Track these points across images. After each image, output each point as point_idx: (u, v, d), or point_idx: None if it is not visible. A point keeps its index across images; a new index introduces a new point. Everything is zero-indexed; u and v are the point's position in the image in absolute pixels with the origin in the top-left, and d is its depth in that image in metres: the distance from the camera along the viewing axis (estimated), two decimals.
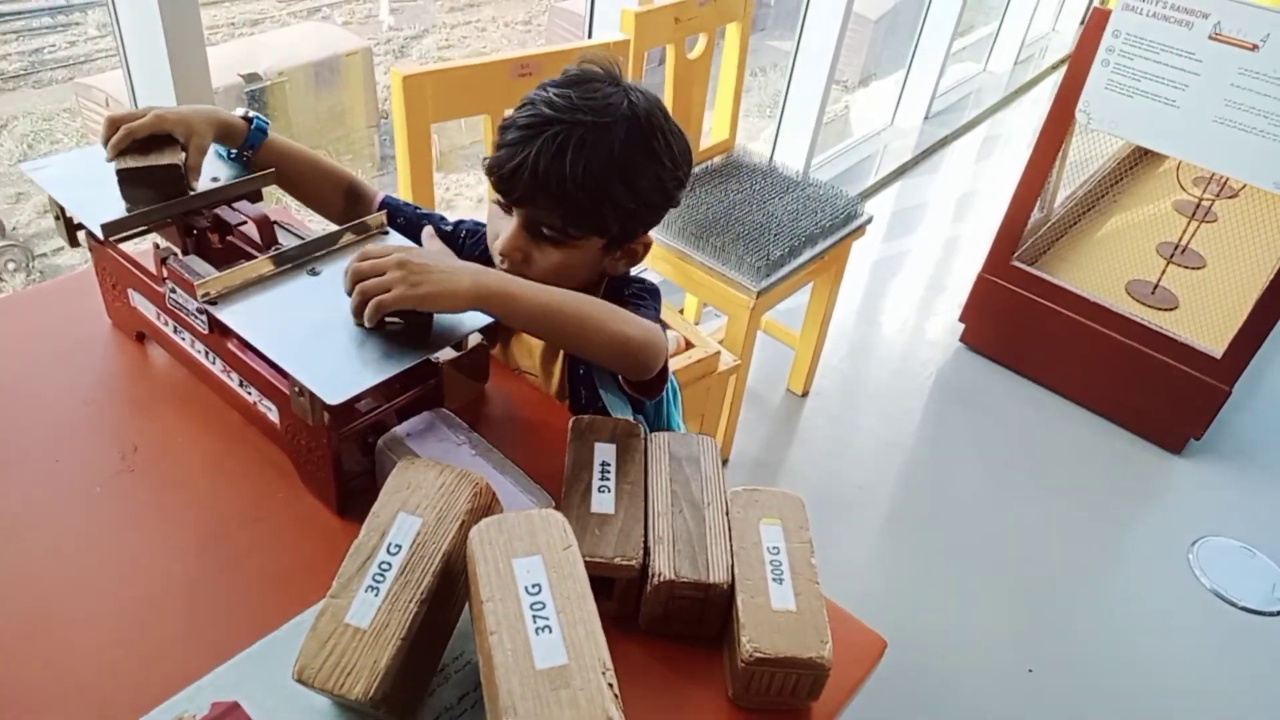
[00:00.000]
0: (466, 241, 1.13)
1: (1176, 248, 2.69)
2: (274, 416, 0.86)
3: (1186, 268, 2.80)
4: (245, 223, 0.90)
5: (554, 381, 1.09)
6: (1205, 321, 2.49)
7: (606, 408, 1.01)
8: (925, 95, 3.80)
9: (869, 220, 2.16)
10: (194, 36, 1.33)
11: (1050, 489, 2.30)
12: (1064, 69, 2.21)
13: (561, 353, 1.08)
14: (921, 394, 2.58)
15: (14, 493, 0.84)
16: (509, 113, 0.96)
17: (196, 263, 0.86)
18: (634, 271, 1.08)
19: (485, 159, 0.96)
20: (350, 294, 0.79)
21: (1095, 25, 2.07)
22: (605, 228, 0.95)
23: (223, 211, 0.91)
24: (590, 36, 2.15)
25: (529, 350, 1.11)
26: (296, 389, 0.76)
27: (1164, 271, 2.69)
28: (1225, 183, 2.73)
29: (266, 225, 0.87)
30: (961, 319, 2.69)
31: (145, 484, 0.87)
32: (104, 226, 0.85)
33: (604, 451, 0.87)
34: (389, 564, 0.68)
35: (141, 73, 1.38)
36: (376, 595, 0.67)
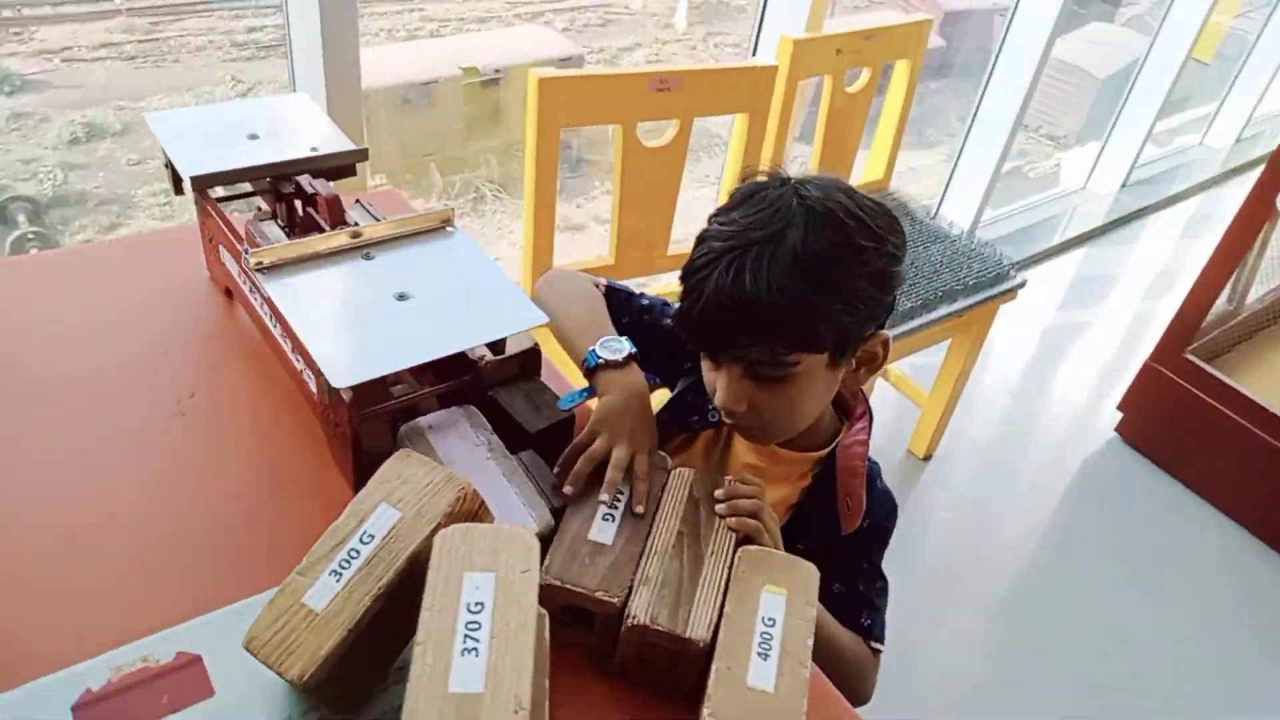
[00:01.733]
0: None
1: None
2: (314, 386, 0.88)
3: None
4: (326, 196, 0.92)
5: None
6: None
7: None
8: (1126, 161, 3.52)
9: (1022, 284, 2.01)
10: (349, 33, 1.40)
11: (1189, 610, 2.05)
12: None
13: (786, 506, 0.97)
14: (1061, 480, 2.37)
15: (73, 418, 0.90)
16: (689, 258, 0.86)
17: (271, 229, 0.90)
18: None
19: (675, 315, 0.90)
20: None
21: None
22: (819, 341, 0.82)
23: (307, 183, 0.94)
24: (755, 53, 2.12)
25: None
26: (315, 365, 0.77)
27: None
28: None
29: (335, 204, 0.89)
30: (1120, 408, 2.46)
31: (190, 431, 0.91)
32: (194, 179, 0.90)
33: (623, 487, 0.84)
34: (357, 552, 0.67)
35: (301, 65, 1.47)
36: (338, 580, 0.66)
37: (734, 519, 0.80)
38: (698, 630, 0.71)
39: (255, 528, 0.83)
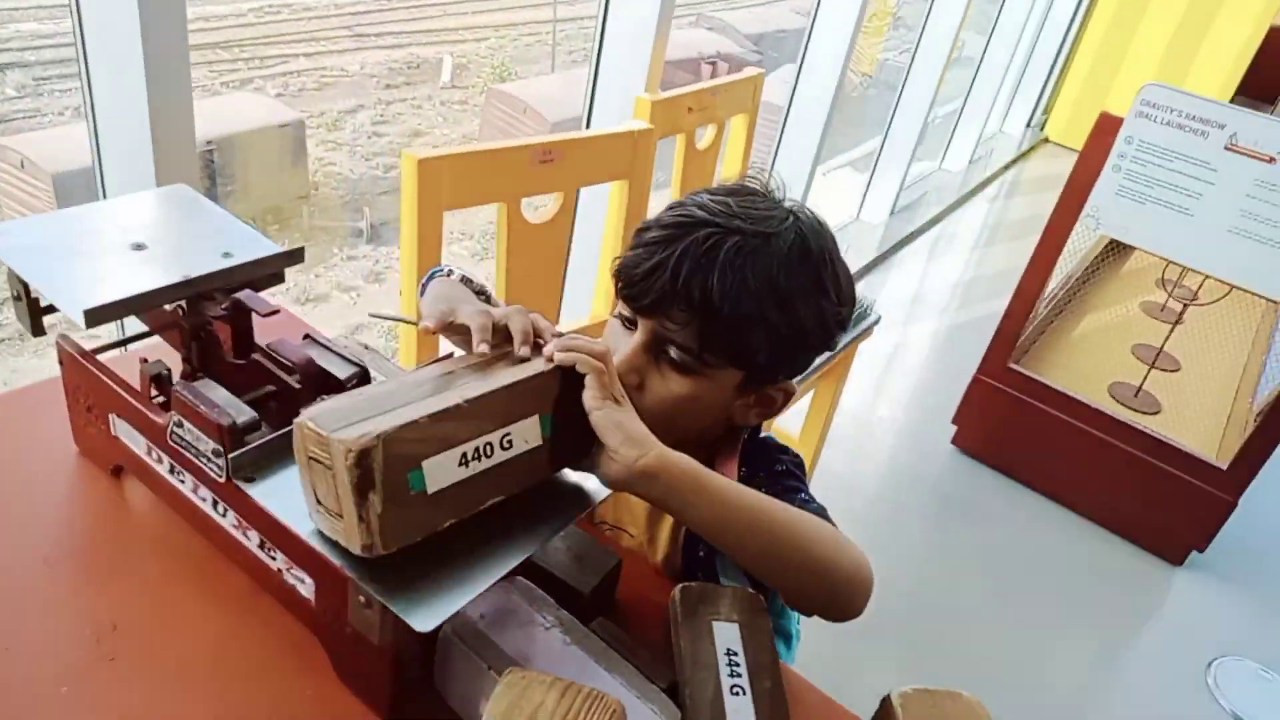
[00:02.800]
0: None
1: (1158, 352, 2.67)
2: (306, 591, 0.67)
3: (1164, 370, 2.78)
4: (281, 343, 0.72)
5: (660, 550, 0.89)
6: (1189, 426, 2.45)
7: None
8: (892, 190, 3.81)
9: (877, 320, 2.06)
10: (181, 89, 1.15)
11: (1051, 602, 2.19)
12: (1010, 171, 2.18)
13: (671, 520, 0.88)
14: (919, 501, 2.46)
15: None
16: (651, 218, 0.80)
17: (211, 389, 0.68)
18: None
19: (615, 259, 0.80)
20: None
21: (1104, 130, 2.05)
22: (749, 359, 0.77)
23: (252, 299, 0.72)
24: (588, 125, 2.03)
25: (629, 506, 0.91)
26: (362, 599, 0.58)
27: (1146, 376, 2.66)
28: (1200, 286, 2.75)
29: (312, 369, 0.70)
30: (954, 421, 2.60)
31: (129, 679, 0.66)
32: (87, 313, 0.66)
33: (726, 635, 0.70)
34: None
35: (113, 129, 1.19)
36: None
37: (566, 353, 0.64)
38: None
39: None
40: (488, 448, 0.59)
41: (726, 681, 0.67)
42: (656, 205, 1.80)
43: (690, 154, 1.87)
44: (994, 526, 2.41)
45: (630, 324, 0.80)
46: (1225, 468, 2.18)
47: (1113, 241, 3.26)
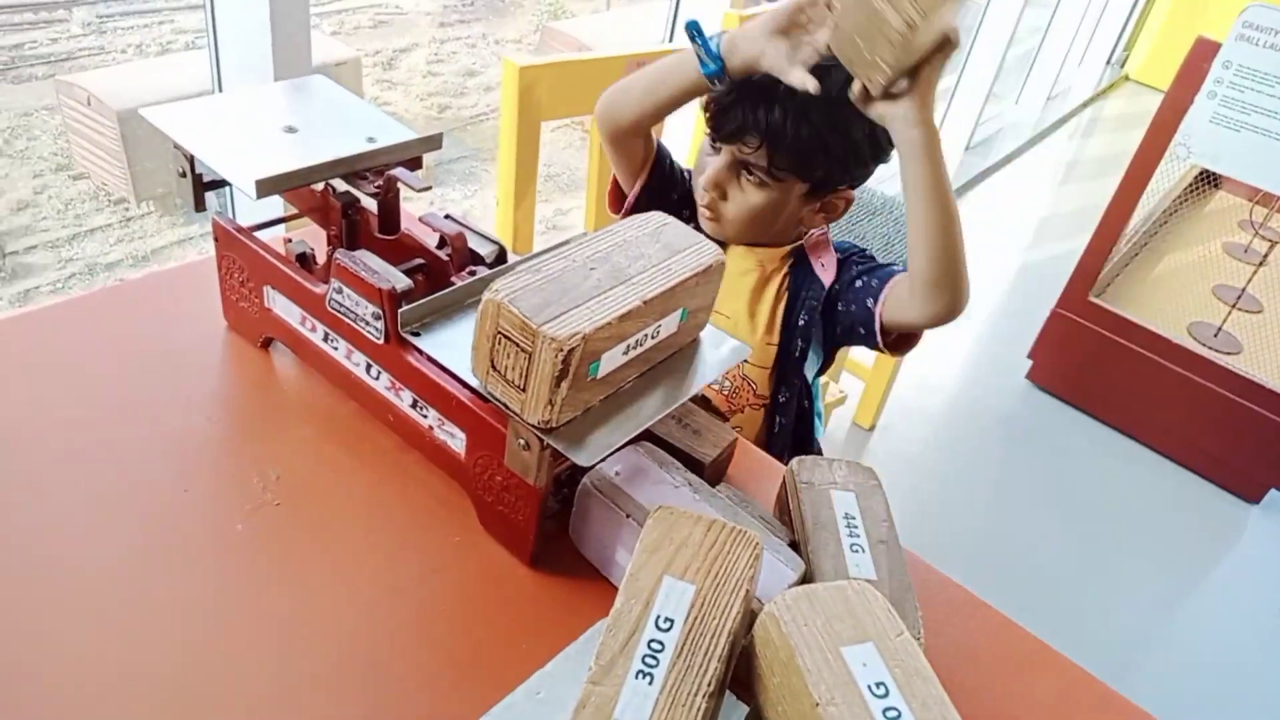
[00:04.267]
0: (687, 177, 1.13)
1: (1240, 293, 2.62)
2: (456, 445, 0.72)
3: (1245, 311, 2.72)
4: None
5: (759, 325, 1.05)
6: (1270, 366, 2.41)
7: (803, 365, 1.05)
8: (967, 126, 3.73)
9: None
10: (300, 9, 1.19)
11: (1124, 537, 2.19)
12: (1088, 109, 2.12)
13: (775, 293, 1.05)
14: (992, 434, 2.46)
15: (137, 529, 0.69)
16: None
17: (370, 258, 0.72)
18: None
19: (707, 101, 0.97)
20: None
21: (1200, 56, 1.99)
22: (810, 171, 0.95)
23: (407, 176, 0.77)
24: (672, 39, 2.03)
25: (734, 290, 1.06)
26: (522, 442, 0.62)
27: (1227, 316, 2.61)
28: None
29: (460, 242, 0.74)
30: (1030, 355, 2.59)
31: (293, 520, 0.72)
32: (258, 183, 0.71)
33: (843, 501, 0.74)
34: (660, 643, 0.54)
35: (233, 52, 1.24)
36: (651, 684, 0.52)
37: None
38: None
39: (423, 630, 0.66)
40: (645, 337, 0.63)
41: (846, 540, 0.70)
42: None
43: None
44: (1068, 461, 2.41)
45: (715, 146, 0.98)
46: None
47: (1196, 180, 3.18)
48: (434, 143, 0.82)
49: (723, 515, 0.70)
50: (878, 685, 0.50)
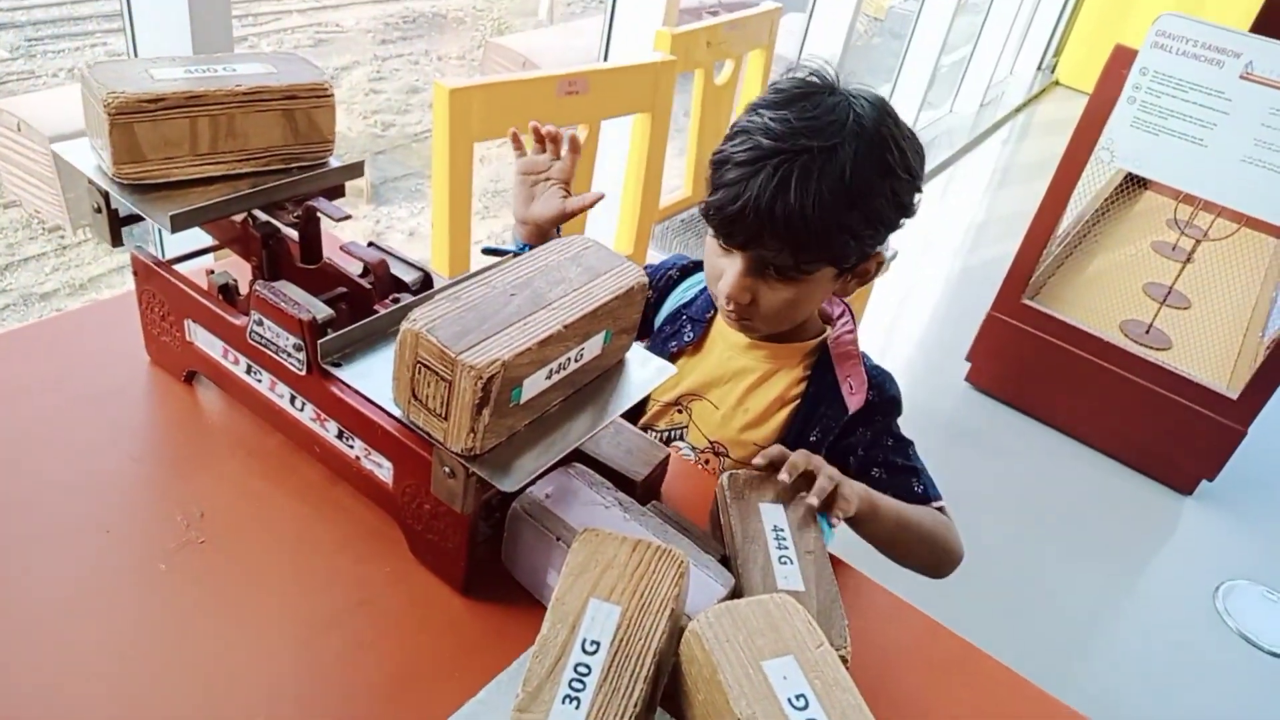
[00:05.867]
0: (673, 280, 1.08)
1: (1169, 290, 2.71)
2: (383, 475, 0.71)
3: (1174, 308, 2.82)
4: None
5: (742, 418, 0.99)
6: (1200, 361, 2.49)
7: None
8: None
9: (895, 256, 2.09)
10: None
11: (1061, 533, 2.24)
12: (1020, 114, 2.19)
13: (781, 392, 0.98)
14: (933, 436, 2.51)
15: (58, 571, 0.67)
16: (723, 146, 0.86)
17: (290, 289, 0.72)
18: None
19: (703, 202, 0.88)
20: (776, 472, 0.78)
21: (1119, 63, 2.06)
22: (841, 257, 0.87)
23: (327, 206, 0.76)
24: (605, 59, 2.05)
25: (717, 379, 1.00)
26: (447, 470, 0.62)
27: (1157, 313, 2.69)
28: (1211, 224, 2.77)
29: (382, 269, 0.74)
30: (968, 358, 2.64)
31: (219, 558, 0.71)
32: (173, 218, 0.70)
33: (772, 514, 0.75)
34: (587, 667, 0.54)
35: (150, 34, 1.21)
36: (578, 708, 0.53)
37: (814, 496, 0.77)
38: None
39: (354, 662, 0.66)
40: (568, 361, 0.64)
41: (775, 553, 0.72)
42: (676, 143, 1.82)
43: (709, 89, 1.88)
44: (1007, 460, 2.46)
45: (727, 248, 0.88)
46: (1235, 398, 2.23)
47: (1124, 182, 3.28)
48: (355, 171, 0.81)
49: (653, 534, 0.70)
50: (798, 698, 0.51)
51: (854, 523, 0.83)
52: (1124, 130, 2.07)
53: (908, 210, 0.87)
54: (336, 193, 0.82)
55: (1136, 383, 2.38)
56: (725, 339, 1.00)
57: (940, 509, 0.95)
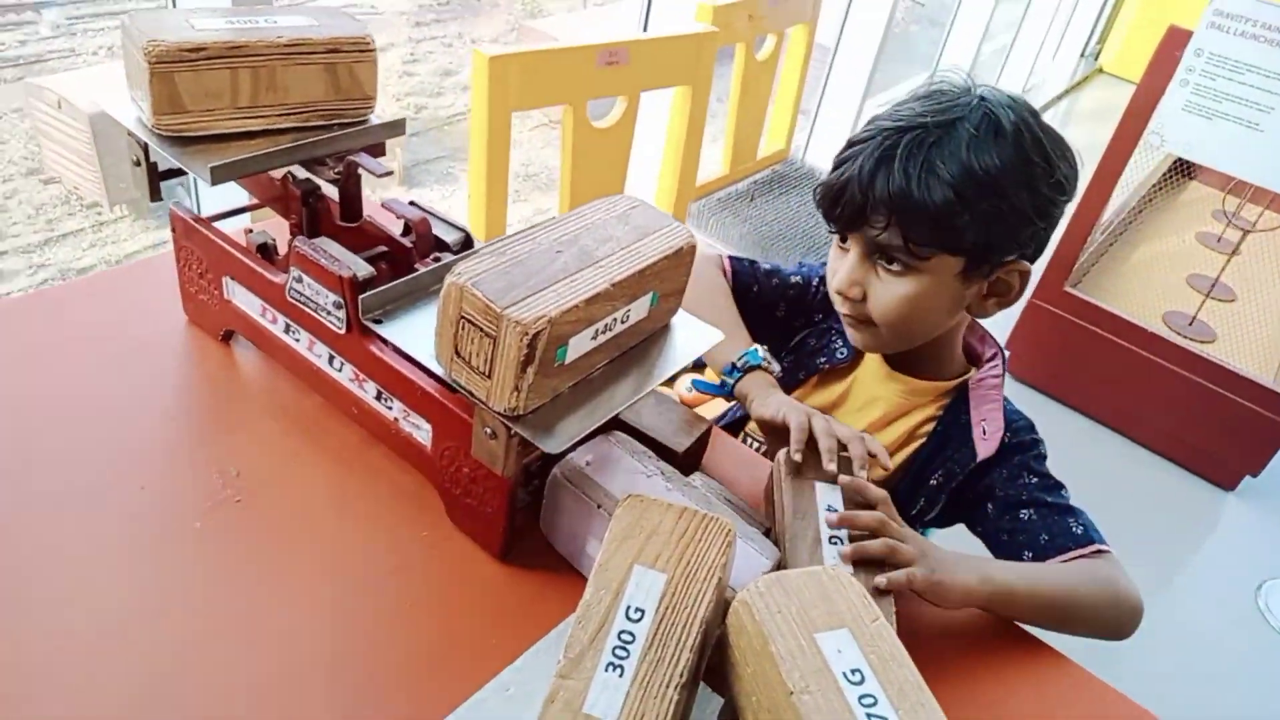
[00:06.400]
0: (818, 293, 1.00)
1: (1214, 282, 2.64)
2: (422, 437, 0.70)
3: (1219, 300, 2.74)
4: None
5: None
6: (1245, 355, 2.42)
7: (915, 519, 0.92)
8: None
9: None
10: None
11: (1102, 526, 2.18)
12: (1063, 101, 2.13)
13: (910, 431, 0.92)
14: None
15: (94, 527, 0.66)
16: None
17: (330, 245, 0.70)
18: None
19: (816, 189, 0.84)
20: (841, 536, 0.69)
21: (1172, 45, 2.00)
22: (957, 240, 0.78)
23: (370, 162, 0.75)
24: (646, 28, 2.02)
25: (859, 413, 0.94)
26: (489, 430, 0.60)
27: (1202, 305, 2.62)
28: (1260, 217, 2.70)
29: (424, 227, 0.72)
30: (1008, 346, 2.59)
31: (255, 518, 0.70)
32: (214, 170, 0.68)
33: (828, 495, 0.72)
34: (631, 634, 0.52)
35: None
36: (621, 676, 0.51)
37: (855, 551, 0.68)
38: None
39: (391, 627, 0.65)
40: (614, 322, 0.62)
41: (825, 531, 0.69)
42: (713, 125, 1.79)
43: (750, 65, 1.85)
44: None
45: (843, 244, 0.84)
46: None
47: (1170, 171, 3.20)
48: (397, 128, 0.80)
49: (695, 504, 0.68)
50: (853, 672, 0.49)
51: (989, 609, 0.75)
52: (1175, 114, 2.01)
53: (1046, 204, 0.79)
54: (377, 151, 0.80)
55: (1179, 374, 2.32)
56: (869, 368, 0.94)
57: (1104, 552, 0.84)
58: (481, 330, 0.55)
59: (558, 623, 0.66)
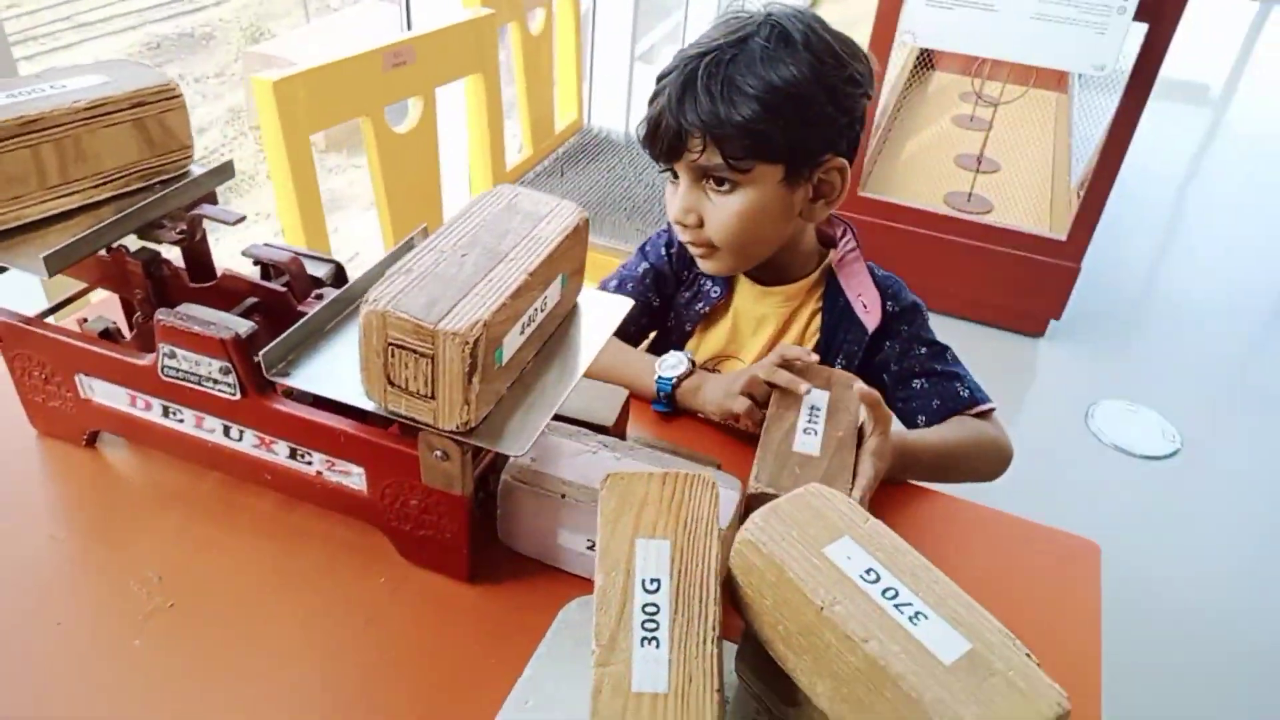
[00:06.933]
0: (673, 258, 1.01)
1: (979, 158, 2.89)
2: (354, 483, 0.66)
3: (986, 173, 3.01)
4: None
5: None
6: (1020, 215, 2.68)
7: None
8: None
9: None
10: None
11: None
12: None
13: (802, 333, 0.97)
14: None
15: (16, 681, 0.59)
16: None
17: (197, 310, 0.64)
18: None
19: (638, 128, 0.87)
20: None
21: None
22: (771, 148, 0.81)
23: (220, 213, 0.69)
24: (409, 27, 1.96)
25: (753, 340, 0.97)
26: (438, 453, 0.58)
27: (974, 180, 2.87)
28: (1001, 91, 2.97)
29: (298, 266, 0.68)
30: None
31: (195, 618, 0.64)
32: (47, 259, 0.61)
33: (815, 397, 0.76)
34: (654, 605, 0.53)
35: None
36: (658, 646, 0.51)
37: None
38: None
39: (384, 686, 0.61)
40: (535, 313, 0.61)
41: (801, 424, 0.73)
42: (509, 98, 1.77)
43: (526, 40, 1.83)
44: None
45: (674, 180, 0.88)
46: (1065, 239, 2.41)
47: (916, 66, 3.46)
48: (226, 172, 0.74)
49: (654, 465, 0.69)
50: (868, 572, 0.51)
51: (899, 474, 0.81)
52: (920, 11, 2.17)
53: (848, 106, 0.83)
54: (209, 200, 0.74)
55: (972, 245, 2.54)
56: (744, 295, 0.97)
57: (988, 411, 0.93)
58: (415, 352, 0.53)
59: (548, 623, 0.65)
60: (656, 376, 0.88)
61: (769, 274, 0.95)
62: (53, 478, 0.75)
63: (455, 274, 0.56)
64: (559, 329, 0.67)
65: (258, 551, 0.69)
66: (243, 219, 0.68)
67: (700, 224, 0.86)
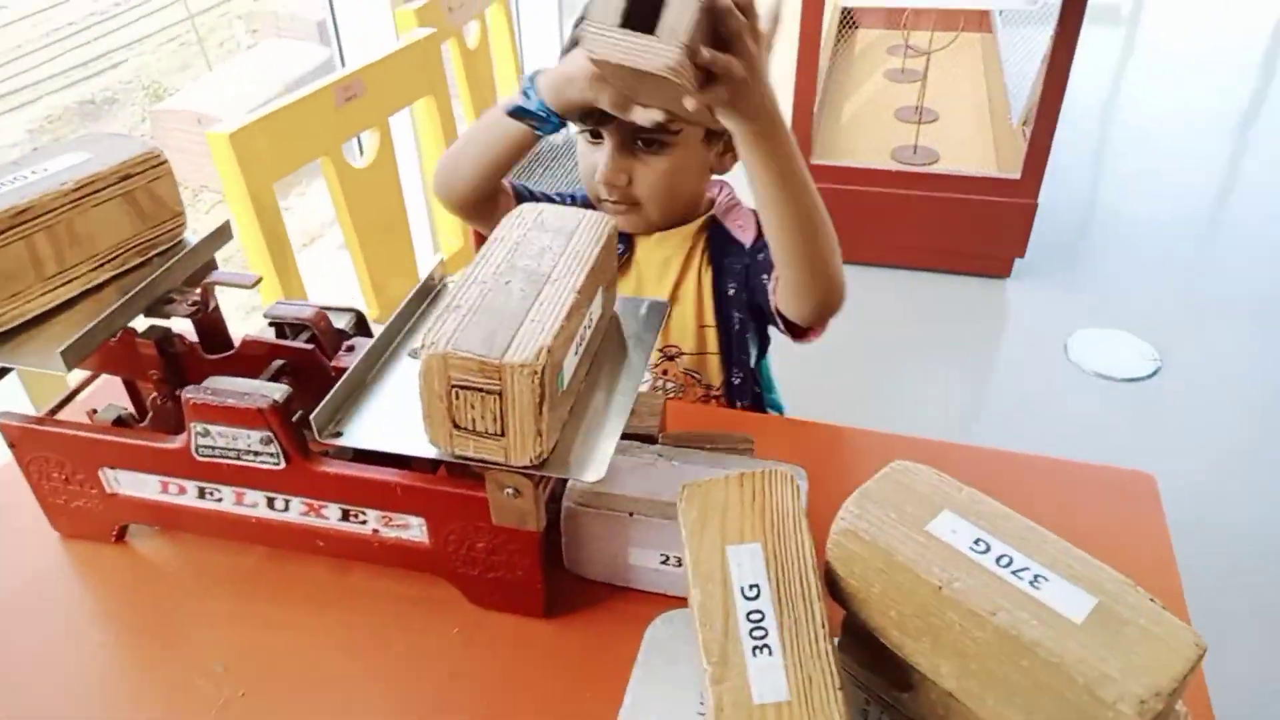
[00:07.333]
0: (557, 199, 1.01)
1: (918, 110, 2.92)
2: (414, 535, 0.64)
3: (928, 123, 3.04)
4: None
5: (688, 312, 0.97)
6: (968, 159, 2.71)
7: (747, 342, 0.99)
8: None
9: None
10: None
11: (910, 348, 2.37)
12: None
13: (699, 270, 0.97)
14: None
15: None
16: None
17: (224, 382, 0.62)
18: None
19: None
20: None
21: None
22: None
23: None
24: (344, 64, 1.91)
25: (660, 284, 0.98)
26: (509, 491, 0.56)
27: (918, 132, 2.90)
28: (931, 41, 3.00)
29: (325, 322, 0.65)
30: None
31: (270, 703, 0.61)
32: (64, 353, 0.58)
33: None
34: (759, 611, 0.51)
35: None
36: (772, 654, 0.50)
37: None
38: None
39: None
40: (585, 330, 0.59)
41: None
42: (459, 115, 1.74)
43: (466, 55, 1.80)
44: (848, 309, 2.58)
45: (596, 137, 0.88)
46: (1019, 177, 2.44)
47: (841, 26, 3.47)
48: (224, 235, 0.71)
49: (716, 467, 0.67)
50: (977, 542, 0.50)
51: (770, 146, 0.74)
52: None
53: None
54: (211, 267, 0.71)
55: (926, 197, 2.55)
56: (644, 245, 0.98)
57: None
58: (481, 390, 0.51)
59: (634, 646, 0.63)
60: (511, 104, 0.82)
61: (668, 221, 0.97)
62: (86, 580, 0.71)
63: (505, 303, 0.54)
64: (604, 343, 0.65)
65: (321, 621, 0.67)
66: (259, 280, 0.65)
67: (629, 183, 0.89)
